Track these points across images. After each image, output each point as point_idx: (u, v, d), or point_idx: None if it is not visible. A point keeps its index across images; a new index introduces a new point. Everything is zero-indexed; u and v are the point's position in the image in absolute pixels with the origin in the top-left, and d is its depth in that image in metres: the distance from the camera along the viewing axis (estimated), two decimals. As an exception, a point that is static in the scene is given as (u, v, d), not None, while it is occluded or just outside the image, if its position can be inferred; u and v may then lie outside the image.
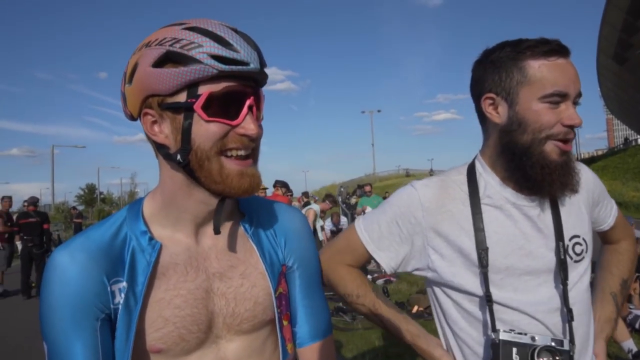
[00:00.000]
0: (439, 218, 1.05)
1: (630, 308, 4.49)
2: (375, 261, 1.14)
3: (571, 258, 1.02)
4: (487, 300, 0.99)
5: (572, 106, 0.95)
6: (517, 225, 1.02)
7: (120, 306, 0.76)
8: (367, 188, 10.69)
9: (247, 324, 0.86)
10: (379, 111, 58.03)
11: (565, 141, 0.96)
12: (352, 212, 13.19)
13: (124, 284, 0.77)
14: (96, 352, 0.74)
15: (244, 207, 0.93)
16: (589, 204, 1.10)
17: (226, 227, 0.88)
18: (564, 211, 1.04)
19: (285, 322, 0.91)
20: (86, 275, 0.75)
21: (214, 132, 0.73)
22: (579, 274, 1.04)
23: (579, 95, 0.96)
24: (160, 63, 0.72)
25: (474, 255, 1.01)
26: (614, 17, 32.05)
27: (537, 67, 0.95)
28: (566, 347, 0.94)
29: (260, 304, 0.87)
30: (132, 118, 0.80)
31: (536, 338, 0.94)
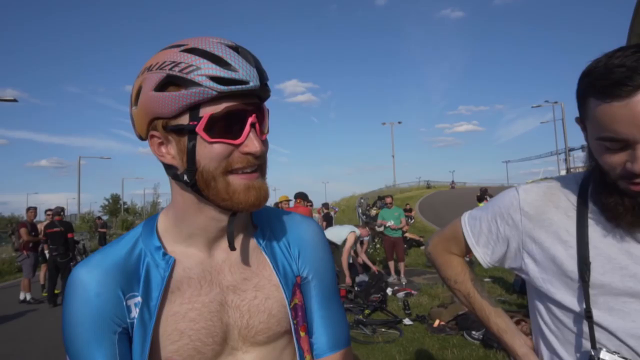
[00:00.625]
0: (536, 224, 1.04)
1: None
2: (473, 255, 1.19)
3: None
4: (586, 317, 0.95)
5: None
6: (623, 244, 0.95)
7: (135, 320, 0.79)
8: (388, 200, 10.67)
9: (262, 336, 0.87)
10: (399, 122, 57.47)
11: (635, 184, 0.86)
12: (372, 224, 13.14)
13: (139, 298, 0.80)
14: None
15: (257, 220, 0.94)
16: None
17: (239, 241, 0.89)
18: None
19: (302, 333, 0.91)
20: (103, 291, 0.78)
21: (218, 153, 0.75)
22: None
23: None
24: (162, 87, 0.73)
25: (568, 267, 0.98)
26: (634, 42, 31.32)
27: (593, 108, 0.86)
28: None
29: (275, 316, 0.88)
30: (142, 139, 0.82)
31: None
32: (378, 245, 12.82)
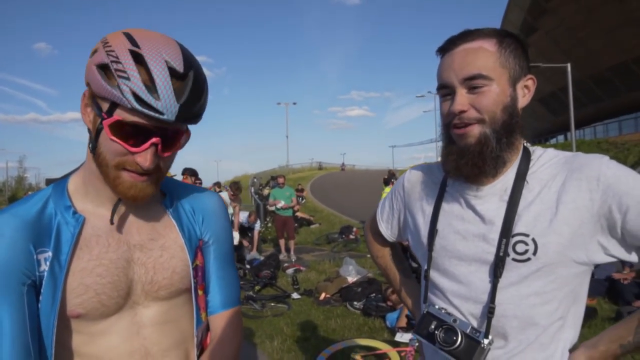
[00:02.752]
0: (411, 198, 1.21)
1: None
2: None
3: (508, 255, 0.96)
4: (424, 277, 1.12)
5: (461, 93, 0.95)
6: (461, 212, 1.05)
7: (45, 273, 0.83)
8: (280, 180, 10.86)
9: (164, 291, 0.95)
10: (294, 104, 58.64)
11: (459, 127, 0.97)
12: (265, 203, 13.26)
13: (49, 253, 0.84)
14: (22, 313, 0.80)
15: (165, 188, 1.02)
16: (586, 207, 0.92)
17: (148, 204, 0.96)
18: (522, 205, 0.96)
19: (200, 292, 1.01)
20: (12, 245, 0.81)
21: (115, 150, 0.81)
22: (521, 276, 0.95)
23: (471, 78, 0.94)
24: (101, 67, 0.78)
25: (422, 233, 1.13)
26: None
27: (438, 66, 1.02)
28: (479, 339, 0.96)
29: (178, 274, 0.96)
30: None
31: (457, 321, 1.01)
32: (270, 224, 13.01)
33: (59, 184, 0.92)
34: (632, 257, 0.93)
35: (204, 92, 0.85)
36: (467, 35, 0.97)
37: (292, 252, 9.63)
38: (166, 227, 0.98)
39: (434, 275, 1.09)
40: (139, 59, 0.77)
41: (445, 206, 1.09)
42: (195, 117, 0.84)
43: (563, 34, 30.56)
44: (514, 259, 0.96)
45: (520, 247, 0.95)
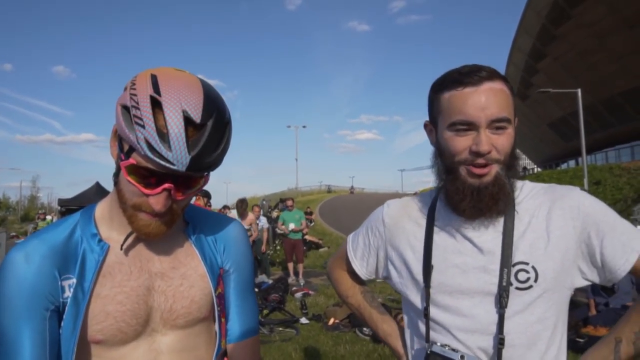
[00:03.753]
0: (394, 233, 1.16)
1: None
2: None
3: (511, 284, 0.97)
4: (424, 315, 1.06)
5: (486, 133, 0.95)
6: (457, 245, 1.04)
7: (68, 300, 0.85)
8: (289, 202, 10.80)
9: (182, 320, 0.95)
10: (304, 127, 58.91)
11: (476, 166, 0.97)
12: (274, 226, 13.23)
13: (74, 280, 0.86)
14: (44, 338, 0.82)
15: (188, 216, 1.03)
16: (570, 234, 0.98)
17: (170, 233, 0.97)
18: (517, 235, 1.00)
19: (223, 320, 1.01)
20: (39, 271, 0.84)
21: (131, 190, 0.84)
22: (525, 304, 0.97)
23: (499, 120, 0.95)
24: (125, 108, 0.81)
25: (414, 269, 1.09)
26: (517, 59, 35.79)
27: (447, 98, 0.99)
28: None
29: (197, 303, 0.97)
30: None
31: (465, 358, 0.97)
32: (278, 247, 12.97)
33: (86, 210, 0.95)
34: (605, 282, 1.01)
35: (223, 140, 0.85)
36: (488, 73, 0.97)
37: (300, 276, 9.56)
38: (188, 255, 0.99)
39: (433, 311, 1.05)
40: (158, 106, 0.78)
41: (437, 240, 1.07)
42: (210, 167, 0.84)
43: (573, 60, 30.72)
44: (517, 288, 0.98)
45: (522, 276, 0.98)
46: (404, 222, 1.15)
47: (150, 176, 0.83)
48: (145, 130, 0.77)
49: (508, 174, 0.99)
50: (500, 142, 0.96)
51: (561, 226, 0.99)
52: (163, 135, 0.78)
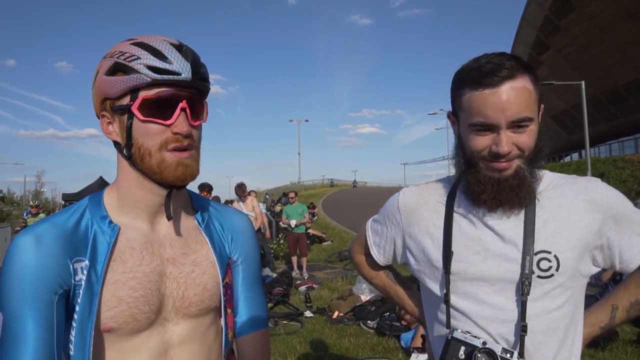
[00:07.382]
0: (411, 221, 1.16)
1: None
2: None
3: (533, 272, 0.99)
4: (444, 301, 1.07)
5: (506, 133, 0.95)
6: (476, 232, 1.05)
7: (82, 282, 0.83)
8: (291, 195, 10.67)
9: (195, 308, 0.95)
10: (306, 121, 58.59)
11: (499, 161, 0.97)
12: (277, 220, 13.25)
13: (86, 262, 0.85)
14: (50, 322, 0.80)
15: (196, 204, 1.04)
16: (591, 225, 1.01)
17: (180, 219, 0.97)
18: (539, 224, 1.01)
19: (229, 310, 1.01)
20: (50, 253, 0.82)
21: (152, 133, 0.85)
22: (545, 291, 0.99)
23: (519, 121, 0.94)
24: (111, 72, 0.84)
25: (433, 256, 1.09)
26: (520, 51, 35.58)
27: (467, 98, 0.98)
28: (514, 358, 0.96)
29: (209, 290, 0.97)
30: (99, 117, 0.92)
31: (487, 343, 0.97)
32: (282, 241, 13.01)
33: (94, 196, 0.94)
34: (613, 266, 1.06)
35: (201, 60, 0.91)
36: (509, 71, 0.94)
37: (304, 270, 9.59)
38: (198, 242, 0.98)
39: (453, 298, 1.06)
40: (141, 45, 0.84)
41: (457, 228, 1.08)
42: (207, 80, 0.90)
43: (576, 51, 30.52)
44: (539, 276, 0.99)
45: (544, 264, 1.00)
46: (421, 209, 1.16)
47: (162, 109, 0.85)
48: (143, 59, 0.82)
49: (530, 166, 0.99)
50: (521, 140, 0.96)
51: (582, 217, 1.01)
52: (159, 54, 0.83)
